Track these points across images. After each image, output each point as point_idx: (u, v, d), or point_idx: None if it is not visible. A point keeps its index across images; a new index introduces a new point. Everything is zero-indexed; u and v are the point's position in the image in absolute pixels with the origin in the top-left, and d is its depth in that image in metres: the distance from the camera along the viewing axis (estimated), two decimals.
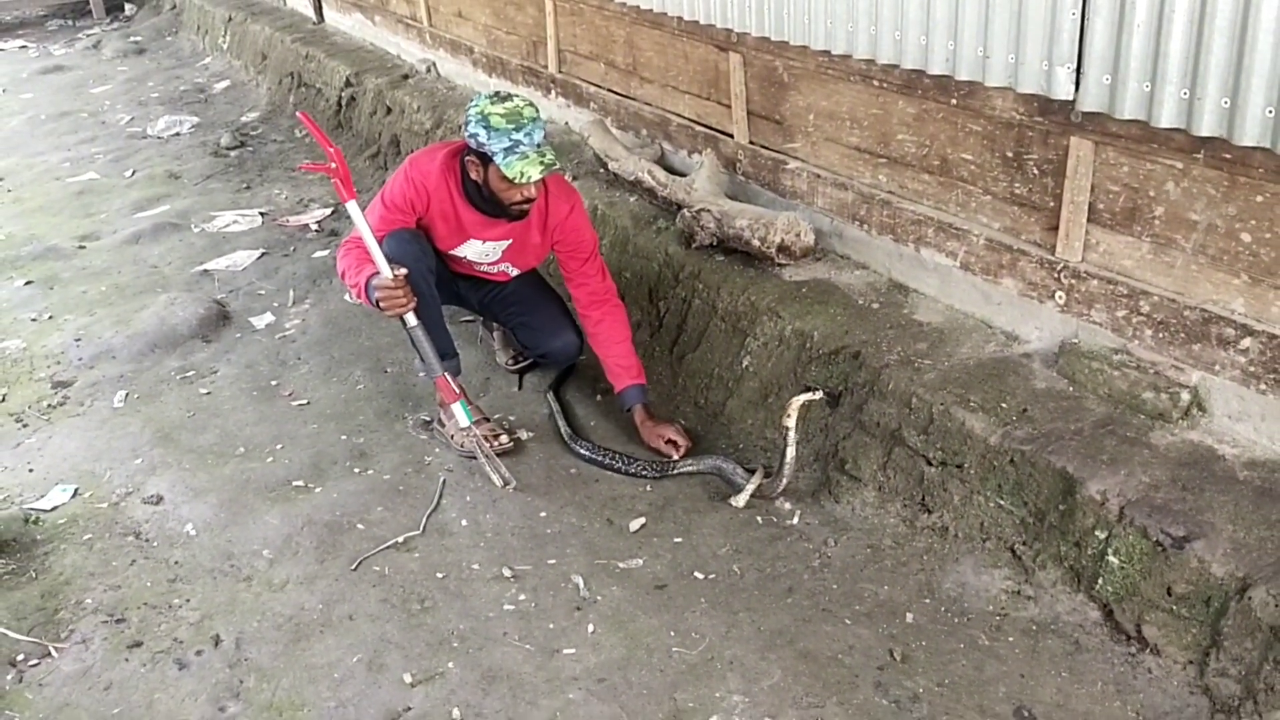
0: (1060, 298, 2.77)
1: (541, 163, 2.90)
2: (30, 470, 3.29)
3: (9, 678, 2.46)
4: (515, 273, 3.40)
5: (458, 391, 3.10)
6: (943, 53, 2.82)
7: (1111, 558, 2.31)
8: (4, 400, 3.73)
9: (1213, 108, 2.25)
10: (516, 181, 2.90)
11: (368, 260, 2.97)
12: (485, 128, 2.88)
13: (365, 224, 2.89)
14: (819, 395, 2.83)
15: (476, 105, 2.92)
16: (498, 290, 3.48)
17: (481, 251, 3.26)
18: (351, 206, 2.89)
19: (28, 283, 4.73)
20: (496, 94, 2.96)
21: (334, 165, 2.89)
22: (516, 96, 2.96)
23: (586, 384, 3.57)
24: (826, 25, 3.16)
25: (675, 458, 3.10)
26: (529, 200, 3.04)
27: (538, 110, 2.97)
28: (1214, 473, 2.35)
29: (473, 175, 3.04)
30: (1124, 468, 2.39)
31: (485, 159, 2.94)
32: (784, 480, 2.86)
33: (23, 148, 7.01)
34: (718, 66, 3.83)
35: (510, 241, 3.25)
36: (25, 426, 3.55)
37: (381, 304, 2.93)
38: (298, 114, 3.27)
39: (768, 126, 3.70)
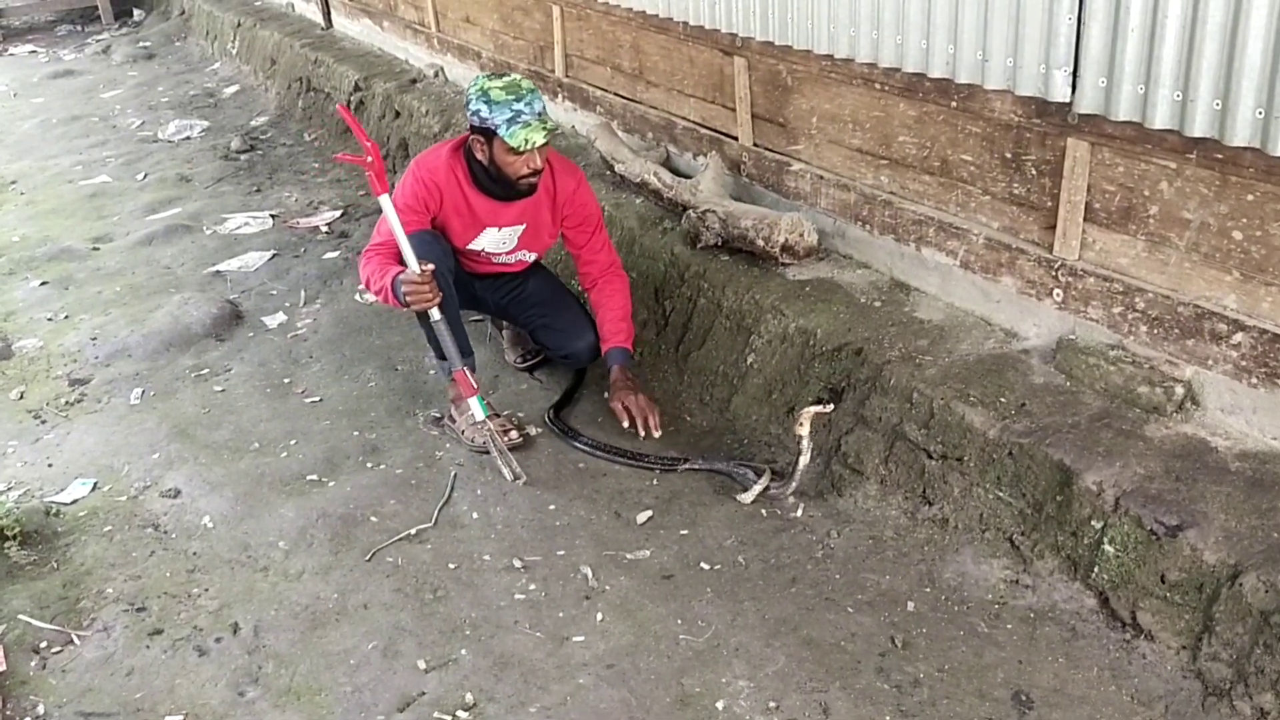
0: (1058, 295, 2.83)
1: (544, 129, 2.99)
2: (50, 465, 3.36)
3: (33, 664, 2.52)
4: (532, 258, 3.48)
5: (475, 386, 3.17)
6: (943, 56, 2.89)
7: (1107, 547, 2.37)
8: (22, 397, 3.80)
9: (1205, 109, 2.31)
10: (520, 149, 2.98)
11: (391, 263, 3.06)
12: (486, 102, 2.97)
13: (396, 218, 2.97)
14: (831, 408, 2.88)
15: (476, 84, 3.02)
16: (517, 292, 3.55)
17: (498, 240, 3.33)
18: (384, 200, 2.97)
19: (43, 283, 4.81)
20: (493, 73, 3.07)
21: (370, 159, 2.98)
22: (513, 73, 3.05)
23: (595, 381, 3.63)
24: (829, 30, 3.23)
25: (625, 424, 3.18)
26: (536, 172, 3.11)
27: (534, 85, 3.06)
28: (1207, 464, 2.41)
29: (478, 155, 3.11)
30: (1119, 459, 2.46)
31: (489, 134, 3.02)
32: (794, 484, 2.92)
33: (35, 151, 7.09)
34: (723, 71, 3.90)
35: (525, 226, 3.32)
36: (44, 423, 3.62)
37: (409, 299, 3.00)
38: (336, 107, 3.34)
39: (772, 129, 3.76)
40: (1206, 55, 2.26)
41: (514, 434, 3.27)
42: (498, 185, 3.16)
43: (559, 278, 3.64)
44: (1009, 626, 2.43)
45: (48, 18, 12.22)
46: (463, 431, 3.30)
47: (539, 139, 2.99)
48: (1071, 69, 2.58)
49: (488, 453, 3.18)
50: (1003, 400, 2.72)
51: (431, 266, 3.01)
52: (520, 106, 2.97)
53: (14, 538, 2.91)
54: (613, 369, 3.32)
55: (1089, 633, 2.37)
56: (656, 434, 3.19)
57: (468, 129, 3.12)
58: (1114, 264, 2.70)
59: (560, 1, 4.83)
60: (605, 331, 3.37)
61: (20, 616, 2.65)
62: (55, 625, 2.64)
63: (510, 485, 3.10)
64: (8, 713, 2.39)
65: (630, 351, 3.37)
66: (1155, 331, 2.62)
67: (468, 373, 3.16)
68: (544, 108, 3.04)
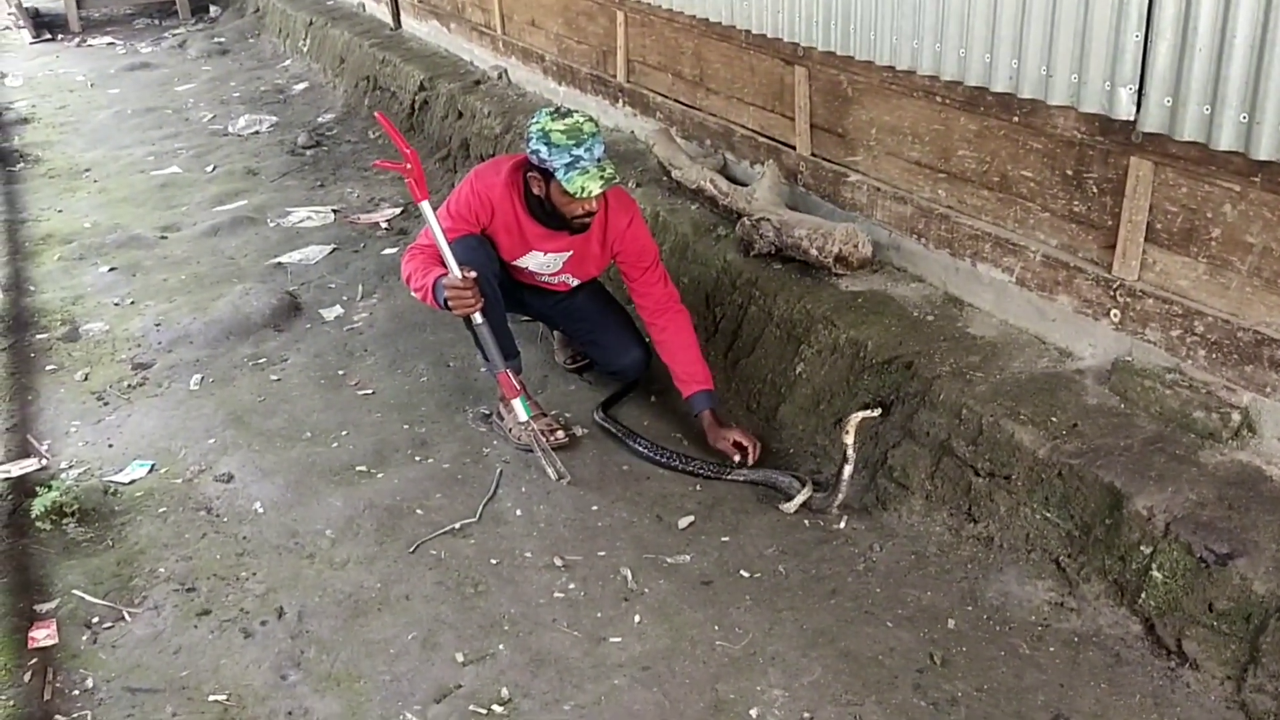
0: (1115, 315, 2.79)
1: (601, 177, 2.98)
2: (110, 446, 3.45)
3: (84, 638, 2.60)
4: (575, 283, 3.48)
5: (518, 387, 3.19)
6: (1006, 71, 2.86)
7: (1155, 572, 2.33)
8: (87, 379, 3.90)
9: (1271, 132, 2.27)
10: (577, 196, 2.99)
11: (433, 264, 3.08)
12: (546, 144, 2.97)
13: (437, 223, 3.00)
14: (878, 413, 2.86)
15: (538, 122, 3.00)
16: (564, 303, 3.55)
17: (543, 263, 3.35)
18: (424, 206, 3.00)
19: (111, 269, 4.94)
20: (557, 110, 3.05)
21: (409, 165, 3.01)
22: (576, 113, 3.05)
23: (640, 385, 3.64)
24: (892, 41, 3.21)
25: (736, 459, 3.13)
26: (590, 214, 3.12)
27: (597, 125, 3.05)
28: (1261, 492, 2.36)
29: (535, 190, 3.13)
30: (1171, 485, 2.41)
31: (547, 174, 3.03)
32: (840, 496, 2.90)
33: (109, 141, 7.27)
34: (783, 79, 3.89)
35: (571, 253, 3.33)
36: (106, 405, 3.72)
37: (450, 303, 3.03)
38: (375, 114, 3.38)
39: (830, 139, 3.75)
40: (1274, 78, 2.23)
41: (560, 434, 3.29)
42: (551, 218, 3.17)
43: (607, 291, 3.63)
44: (1051, 649, 2.40)
45: (126, 11, 12.49)
46: (510, 429, 3.32)
47: (595, 188, 2.97)
48: (1137, 87, 2.55)
49: (532, 451, 3.20)
50: (1054, 420, 2.69)
51: (474, 274, 3.02)
52: (580, 152, 2.95)
53: (72, 515, 3.00)
54: (703, 415, 3.25)
55: (1133, 659, 2.33)
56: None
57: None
58: (1174, 286, 2.66)
59: (624, 7, 4.86)
60: (682, 374, 3.29)
61: (75, 591, 2.74)
62: (108, 601, 2.72)
63: (554, 484, 3.12)
64: (58, 685, 2.46)
65: (713, 391, 3.29)
66: (1214, 356, 2.57)
67: (510, 375, 3.18)
68: (604, 152, 3.02)
